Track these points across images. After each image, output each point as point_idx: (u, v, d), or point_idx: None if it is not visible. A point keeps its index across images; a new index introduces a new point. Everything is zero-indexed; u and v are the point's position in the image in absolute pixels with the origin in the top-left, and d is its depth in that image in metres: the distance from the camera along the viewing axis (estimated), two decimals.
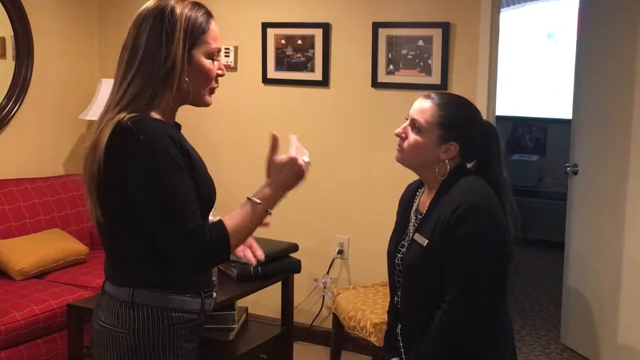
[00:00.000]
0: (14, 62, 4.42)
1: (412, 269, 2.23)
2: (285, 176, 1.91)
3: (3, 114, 4.37)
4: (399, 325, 2.35)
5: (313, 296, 4.46)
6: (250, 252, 2.19)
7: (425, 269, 2.18)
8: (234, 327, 3.63)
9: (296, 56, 4.36)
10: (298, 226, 4.40)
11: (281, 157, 1.93)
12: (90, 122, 4.78)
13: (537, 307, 5.21)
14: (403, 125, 2.28)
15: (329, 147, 4.35)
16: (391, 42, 4.10)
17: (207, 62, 1.90)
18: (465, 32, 3.97)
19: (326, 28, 4.26)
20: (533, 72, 7.66)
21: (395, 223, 2.44)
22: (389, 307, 2.48)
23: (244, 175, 4.49)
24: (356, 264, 4.36)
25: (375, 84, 4.18)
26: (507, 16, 7.10)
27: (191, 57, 1.87)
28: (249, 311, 3.94)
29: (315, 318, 4.45)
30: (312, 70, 4.32)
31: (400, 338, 2.35)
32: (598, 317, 4.13)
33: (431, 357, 2.20)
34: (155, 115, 1.83)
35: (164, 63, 1.82)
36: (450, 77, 4.00)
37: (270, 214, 1.90)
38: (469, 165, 2.32)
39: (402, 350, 2.34)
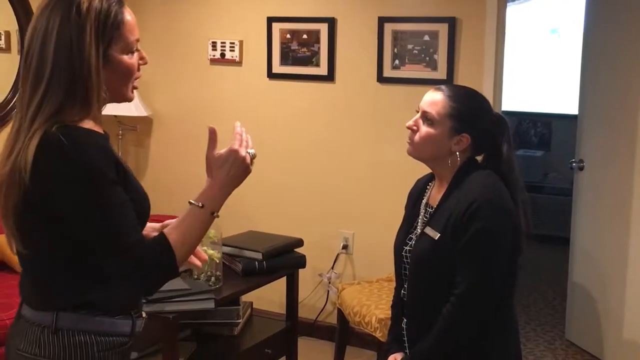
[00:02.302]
0: (19, 57, 4.42)
1: (422, 262, 2.23)
2: (227, 171, 1.73)
3: (8, 108, 4.36)
4: (404, 320, 2.35)
5: (318, 291, 4.45)
6: (193, 257, 1.89)
7: (435, 263, 2.18)
8: (239, 322, 3.63)
9: (301, 51, 4.35)
10: (303, 221, 4.40)
11: (220, 151, 1.75)
12: None
13: (542, 302, 5.21)
14: (414, 118, 2.27)
15: (334, 141, 4.34)
16: (397, 36, 4.09)
17: (126, 59, 1.71)
18: (471, 27, 3.95)
19: (332, 23, 4.25)
20: (537, 67, 7.64)
21: (404, 216, 2.44)
22: (393, 300, 2.48)
23: None
24: (361, 259, 4.36)
25: (381, 78, 4.17)
26: (511, 11, 7.08)
27: (108, 57, 1.67)
28: (254, 306, 3.94)
29: (320, 313, 4.45)
30: (318, 65, 4.31)
31: (405, 332, 2.34)
32: (603, 313, 4.13)
33: (436, 350, 2.19)
34: (86, 123, 1.64)
35: (80, 72, 1.62)
36: (456, 72, 3.99)
37: (218, 216, 1.72)
38: (479, 159, 2.32)
39: (406, 344, 2.33)
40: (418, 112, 2.28)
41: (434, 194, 2.32)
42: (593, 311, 4.20)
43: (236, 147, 1.73)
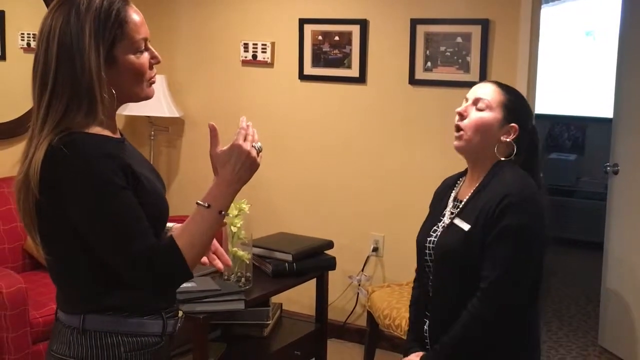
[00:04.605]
0: None
1: (449, 253, 2.19)
2: (233, 168, 1.67)
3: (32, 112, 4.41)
4: (427, 322, 2.31)
5: (347, 293, 4.44)
6: (215, 258, 1.88)
7: (463, 254, 2.15)
8: (268, 324, 3.64)
9: (333, 52, 4.34)
10: (333, 223, 4.39)
11: (223, 148, 1.69)
12: (129, 118, 4.82)
13: (575, 308, 5.14)
14: (464, 105, 2.26)
15: (365, 144, 4.33)
16: (429, 38, 4.07)
17: (134, 59, 1.66)
18: (504, 29, 3.91)
19: (364, 24, 4.24)
20: (571, 70, 7.56)
21: (429, 213, 2.42)
22: (412, 299, 2.46)
23: (279, 172, 4.49)
24: (391, 262, 4.34)
25: (413, 80, 4.14)
26: (545, 13, 7.01)
27: (113, 58, 1.63)
28: (283, 307, 3.95)
29: (350, 315, 4.44)
30: (349, 66, 4.30)
31: (427, 334, 2.30)
32: (637, 319, 4.06)
33: (459, 345, 2.15)
34: (92, 129, 1.62)
35: (82, 77, 1.59)
36: (489, 74, 3.95)
37: (228, 214, 1.63)
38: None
39: (428, 341, 2.29)
40: (467, 100, 2.26)
41: (464, 190, 2.31)
42: (627, 317, 4.14)
43: (239, 141, 1.68)
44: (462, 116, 2.24)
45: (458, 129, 2.25)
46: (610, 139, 4.37)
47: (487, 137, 2.22)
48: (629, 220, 4.18)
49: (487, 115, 2.22)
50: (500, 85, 2.28)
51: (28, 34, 4.36)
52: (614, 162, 4.26)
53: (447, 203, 2.33)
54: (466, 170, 2.37)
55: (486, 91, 2.25)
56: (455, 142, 2.26)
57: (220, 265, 1.86)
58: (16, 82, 4.29)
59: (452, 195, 2.34)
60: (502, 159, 2.23)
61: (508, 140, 2.22)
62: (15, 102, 4.19)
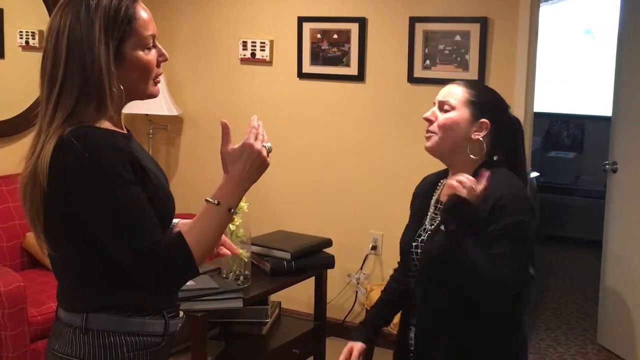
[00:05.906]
0: None
1: (436, 259, 2.15)
2: (243, 166, 1.68)
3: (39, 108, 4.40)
4: (412, 329, 2.28)
5: (346, 292, 4.44)
6: (223, 248, 1.90)
7: (453, 260, 2.13)
8: (267, 322, 3.64)
9: (332, 50, 4.34)
10: (332, 221, 4.39)
11: (234, 146, 1.70)
12: (128, 116, 4.81)
13: (573, 306, 5.15)
14: (431, 110, 2.24)
15: (364, 142, 4.33)
16: (428, 36, 4.07)
17: (142, 55, 1.67)
18: (503, 27, 3.91)
19: (362, 22, 4.24)
20: (570, 68, 7.56)
21: (410, 215, 2.40)
22: (385, 287, 2.50)
23: (278, 170, 4.48)
24: (390, 260, 4.33)
25: (411, 79, 4.14)
26: (545, 11, 7.01)
27: (122, 54, 1.64)
28: (282, 306, 3.94)
29: (348, 314, 4.44)
30: (348, 65, 4.30)
31: (412, 342, 2.27)
32: (636, 318, 4.07)
33: (471, 255, 2.06)
34: (102, 124, 1.64)
35: (91, 71, 1.60)
36: (488, 72, 3.95)
37: (236, 212, 1.67)
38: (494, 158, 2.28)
39: (413, 349, 2.26)
40: (435, 104, 2.25)
41: (446, 191, 2.28)
42: (626, 315, 4.14)
43: (251, 141, 1.69)
44: (431, 121, 2.22)
45: (428, 133, 2.24)
46: (609, 137, 4.37)
47: (458, 136, 2.19)
48: (628, 218, 4.18)
49: (452, 114, 2.19)
50: (466, 83, 2.25)
51: (27, 31, 4.36)
52: (613, 160, 4.26)
53: (429, 206, 2.31)
54: (447, 170, 2.34)
55: (450, 92, 2.22)
56: (426, 144, 2.24)
57: (227, 252, 1.86)
58: (15, 80, 4.29)
59: (434, 197, 2.31)
60: (472, 156, 2.18)
61: (480, 137, 2.19)
62: (14, 100, 4.18)
